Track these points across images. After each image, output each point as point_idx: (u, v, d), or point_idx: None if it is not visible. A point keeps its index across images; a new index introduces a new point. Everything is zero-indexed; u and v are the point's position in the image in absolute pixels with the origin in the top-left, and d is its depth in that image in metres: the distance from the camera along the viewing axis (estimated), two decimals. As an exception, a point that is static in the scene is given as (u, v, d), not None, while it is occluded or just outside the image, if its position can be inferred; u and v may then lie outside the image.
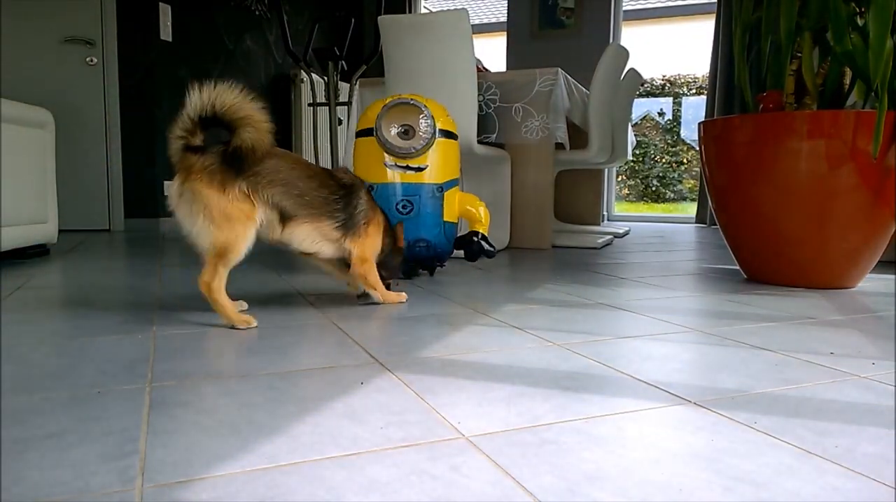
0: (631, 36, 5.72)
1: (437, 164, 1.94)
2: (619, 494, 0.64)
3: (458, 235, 2.06)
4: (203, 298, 1.32)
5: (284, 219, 1.38)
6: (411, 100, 1.90)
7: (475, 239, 2.02)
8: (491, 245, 2.03)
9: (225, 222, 1.26)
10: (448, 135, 1.96)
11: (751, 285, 2.03)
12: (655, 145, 8.65)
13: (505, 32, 5.70)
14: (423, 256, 1.98)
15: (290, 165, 1.38)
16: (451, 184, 1.98)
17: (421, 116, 1.89)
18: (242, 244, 1.29)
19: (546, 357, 1.15)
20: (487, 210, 2.06)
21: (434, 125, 1.90)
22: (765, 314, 1.56)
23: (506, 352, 1.18)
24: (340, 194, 1.47)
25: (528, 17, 5.54)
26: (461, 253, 2.08)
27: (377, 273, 1.58)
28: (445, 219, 1.98)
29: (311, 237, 1.45)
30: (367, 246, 1.54)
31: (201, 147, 1.27)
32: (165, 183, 4.11)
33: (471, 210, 2.05)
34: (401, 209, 1.92)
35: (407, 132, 1.89)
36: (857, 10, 1.92)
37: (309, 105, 4.66)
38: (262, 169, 1.32)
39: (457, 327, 1.38)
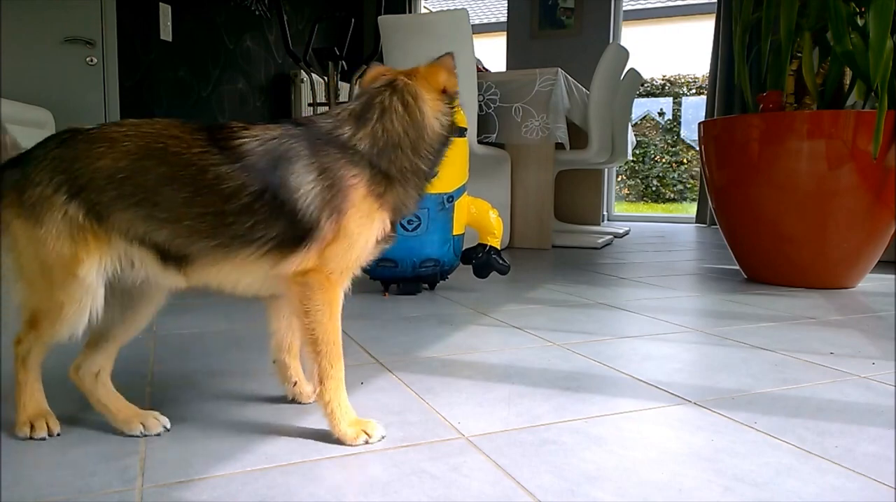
0: (631, 36, 5.71)
1: (447, 169, 1.73)
2: (619, 494, 0.64)
3: (466, 248, 1.82)
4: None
5: (175, 260, 0.77)
6: None
7: (485, 253, 1.77)
8: (503, 260, 1.80)
9: (36, 275, 0.75)
10: (459, 131, 1.67)
11: (751, 285, 2.03)
12: (655, 145, 8.65)
13: (505, 32, 5.69)
14: (429, 275, 1.78)
15: (139, 155, 0.74)
16: (461, 191, 1.72)
17: None
18: (69, 311, 0.75)
19: (546, 357, 1.15)
20: (500, 219, 1.81)
21: None
22: (765, 314, 1.56)
23: (506, 352, 1.18)
24: (251, 191, 0.74)
25: (528, 17, 5.54)
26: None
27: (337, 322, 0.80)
28: (455, 232, 1.74)
29: (245, 281, 0.80)
30: (335, 254, 0.78)
31: (16, 159, 0.78)
32: (165, 183, 4.11)
33: (481, 220, 1.77)
34: (405, 225, 1.64)
35: None
36: (857, 10, 1.92)
37: (309, 105, 4.66)
38: (94, 172, 0.73)
39: (457, 327, 1.38)
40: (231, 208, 0.74)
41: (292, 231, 0.75)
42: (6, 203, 0.75)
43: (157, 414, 0.80)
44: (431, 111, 0.85)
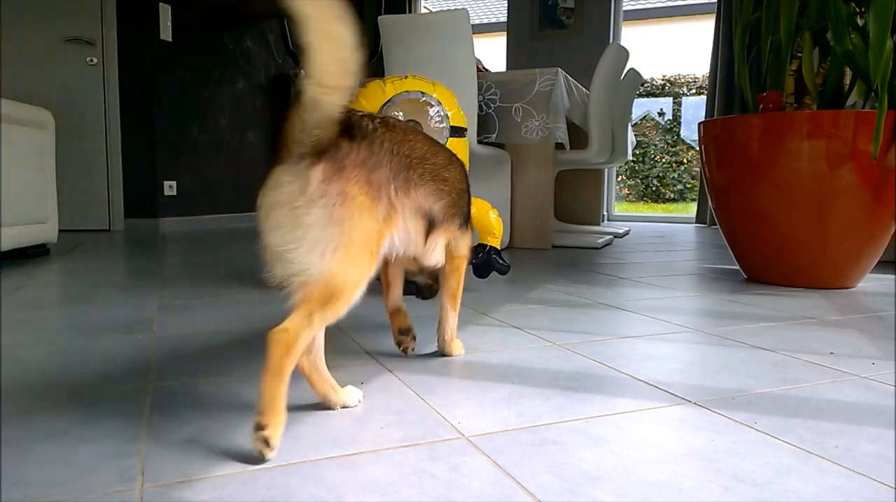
0: (631, 36, 5.71)
1: None
2: (619, 494, 0.64)
3: None
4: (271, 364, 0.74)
5: (428, 229, 0.94)
6: (422, 93, 1.60)
7: (485, 253, 1.76)
8: (503, 260, 1.78)
9: (364, 249, 0.79)
10: (458, 132, 1.68)
11: (751, 285, 2.03)
12: (655, 145, 8.65)
13: (505, 32, 5.69)
14: None
15: (427, 146, 0.94)
16: None
17: (432, 113, 1.60)
18: (365, 283, 0.81)
19: (546, 357, 1.15)
20: (500, 219, 1.80)
21: (448, 126, 1.63)
22: (765, 314, 1.56)
23: (506, 352, 1.18)
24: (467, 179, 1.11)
25: (528, 17, 5.54)
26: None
27: None
28: None
29: (433, 246, 0.99)
30: (466, 238, 1.12)
31: (353, 129, 0.81)
32: (165, 183, 4.11)
33: (481, 220, 1.76)
34: None
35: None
36: (857, 10, 1.92)
37: (309, 105, 4.66)
38: (411, 156, 0.88)
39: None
40: (465, 187, 1.07)
41: (465, 213, 1.07)
42: (344, 175, 0.77)
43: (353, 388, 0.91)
44: None
